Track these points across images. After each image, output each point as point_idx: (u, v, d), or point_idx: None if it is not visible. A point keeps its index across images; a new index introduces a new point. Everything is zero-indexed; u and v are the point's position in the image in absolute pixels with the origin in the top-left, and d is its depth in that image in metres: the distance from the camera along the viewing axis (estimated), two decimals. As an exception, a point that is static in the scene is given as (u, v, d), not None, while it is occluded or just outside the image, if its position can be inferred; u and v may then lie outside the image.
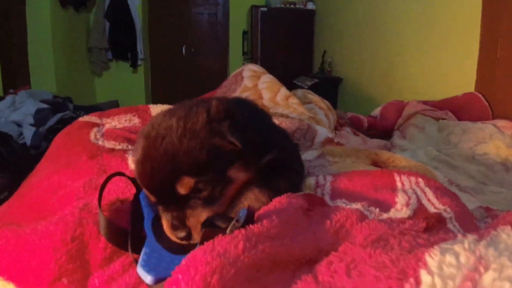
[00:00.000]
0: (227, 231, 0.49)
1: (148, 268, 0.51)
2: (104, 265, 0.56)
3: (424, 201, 0.69)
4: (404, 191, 0.72)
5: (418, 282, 0.36)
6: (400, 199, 0.69)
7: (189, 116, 0.61)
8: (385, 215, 0.63)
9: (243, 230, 0.48)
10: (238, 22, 6.15)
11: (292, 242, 0.49)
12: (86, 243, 0.56)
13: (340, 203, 0.69)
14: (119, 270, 0.55)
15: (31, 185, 0.92)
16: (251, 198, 0.65)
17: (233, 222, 0.51)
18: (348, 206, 0.64)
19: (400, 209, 0.65)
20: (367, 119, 2.65)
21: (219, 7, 6.41)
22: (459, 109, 2.59)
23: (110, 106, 3.05)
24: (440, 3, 2.89)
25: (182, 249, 0.56)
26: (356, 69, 4.37)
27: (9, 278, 0.54)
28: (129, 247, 0.56)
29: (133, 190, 0.67)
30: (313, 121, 1.66)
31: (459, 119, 2.52)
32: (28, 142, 2.90)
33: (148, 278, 0.50)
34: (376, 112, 2.84)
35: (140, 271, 0.51)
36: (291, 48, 5.48)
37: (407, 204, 0.66)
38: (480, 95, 2.54)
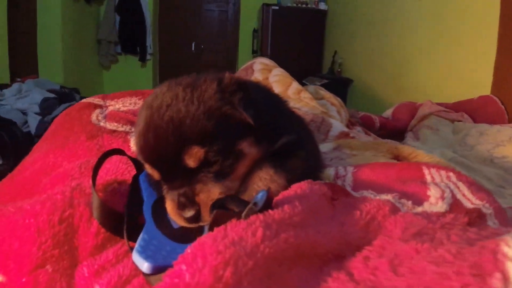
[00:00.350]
0: (243, 216, 0.42)
1: (145, 255, 0.44)
2: (95, 253, 0.48)
3: (459, 196, 0.62)
4: (436, 185, 0.65)
5: (506, 276, 0.30)
6: (433, 192, 0.62)
7: (198, 84, 0.54)
8: (419, 209, 0.57)
9: (261, 216, 0.41)
10: (248, 20, 6.10)
11: (317, 233, 0.41)
12: (75, 226, 0.48)
13: (367, 194, 0.62)
14: (112, 260, 0.48)
15: (23, 165, 0.86)
16: (266, 179, 0.57)
17: (250, 205, 0.44)
18: (377, 197, 0.57)
19: (435, 203, 0.59)
20: (378, 119, 2.58)
21: (230, 4, 6.36)
22: (474, 112, 2.50)
23: (116, 99, 3.03)
24: (455, 2, 2.79)
25: (185, 237, 0.49)
26: (366, 70, 4.28)
27: (-13, 262, 0.47)
28: (125, 232, 0.48)
29: (134, 173, 0.60)
30: (320, 116, 1.58)
31: (474, 122, 2.43)
32: (33, 131, 2.86)
33: (144, 266, 0.43)
34: (388, 113, 2.77)
35: (136, 257, 0.44)
36: (301, 48, 5.41)
37: (442, 198, 0.60)
38: (496, 98, 2.45)
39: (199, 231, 0.50)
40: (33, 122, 2.91)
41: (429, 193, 0.63)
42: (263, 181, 0.56)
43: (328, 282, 0.35)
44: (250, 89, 0.57)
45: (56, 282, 0.46)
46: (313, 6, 5.49)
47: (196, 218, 0.50)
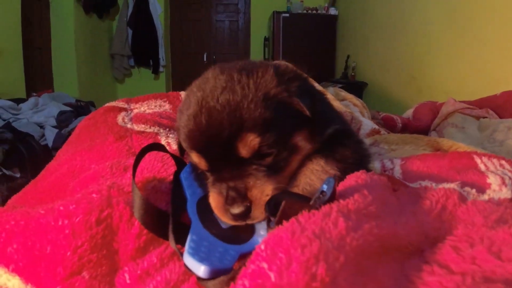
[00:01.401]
0: (312, 205, 0.37)
1: (199, 258, 0.39)
2: (137, 257, 0.43)
3: (518, 182, 0.57)
4: (493, 172, 0.60)
5: None
6: (493, 180, 0.59)
7: (253, 69, 0.50)
8: (484, 196, 0.53)
9: (334, 205, 0.36)
10: (259, 29, 6.10)
11: (395, 224, 0.36)
12: (115, 228, 0.43)
13: (426, 183, 0.57)
14: (156, 264, 0.42)
15: (47, 170, 0.82)
16: (318, 171, 0.52)
17: (318, 194, 0.38)
18: (440, 186, 0.52)
19: (499, 190, 0.57)
20: (400, 119, 2.51)
21: (240, 14, 6.38)
22: (498, 107, 2.41)
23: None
24: None
25: (235, 238, 0.44)
26: (381, 72, 4.22)
27: (15, 270, 0.42)
28: (171, 233, 0.43)
29: (171, 171, 0.55)
30: (348, 113, 1.53)
31: (499, 118, 2.35)
32: (50, 144, 2.87)
33: (201, 269, 0.37)
34: (408, 113, 2.70)
35: (190, 261, 0.39)
36: (313, 54, 5.38)
37: (504, 184, 0.57)
38: (520, 94, 2.37)
39: (250, 231, 0.45)
40: (50, 135, 2.93)
41: (488, 180, 0.61)
42: (315, 173, 0.51)
43: (423, 278, 0.30)
44: (307, 78, 0.54)
45: (94, 291, 0.41)
46: (323, 11, 5.47)
47: (245, 215, 0.45)
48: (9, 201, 0.86)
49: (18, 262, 0.42)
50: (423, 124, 2.52)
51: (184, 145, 0.50)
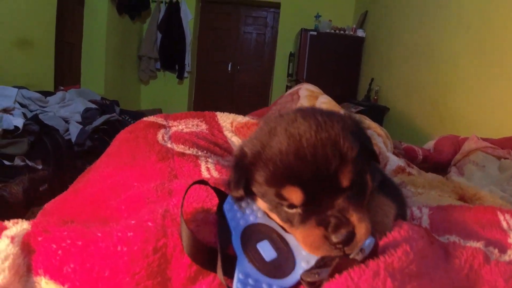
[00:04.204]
0: (359, 260, 0.39)
1: None
2: (187, 285, 0.45)
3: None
4: None
5: None
6: None
7: (331, 113, 0.55)
8: (505, 257, 0.57)
9: (381, 263, 0.38)
10: (285, 44, 6.16)
11: (431, 282, 0.38)
12: (169, 257, 0.46)
13: (454, 239, 0.60)
14: (205, 293, 0.46)
15: (88, 180, 0.86)
16: (387, 205, 0.57)
17: (357, 251, 0.41)
18: (467, 244, 0.55)
19: None
20: (421, 151, 2.51)
21: (268, 28, 6.47)
22: (521, 149, 2.39)
23: (153, 114, 3.09)
24: (503, 34, 2.68)
25: (278, 271, 0.47)
26: (404, 98, 4.20)
27: (73, 288, 0.45)
28: (219, 269, 0.46)
29: (215, 201, 0.58)
30: (376, 147, 1.55)
31: (522, 159, 2.32)
32: (73, 139, 2.93)
33: None
34: (430, 145, 2.69)
35: None
36: (337, 74, 5.41)
37: None
38: (543, 136, 2.34)
39: (292, 264, 0.48)
40: (74, 130, 2.99)
41: (509, 240, 0.63)
42: (380, 213, 0.55)
43: None
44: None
45: (148, 315, 0.44)
46: (351, 32, 5.50)
47: (350, 239, 0.47)
48: (47, 206, 0.90)
49: (75, 282, 0.46)
50: (444, 158, 2.50)
51: (276, 180, 0.51)
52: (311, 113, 0.55)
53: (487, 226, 0.69)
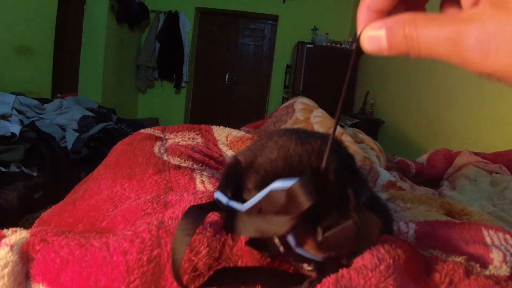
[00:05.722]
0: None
1: None
2: (179, 295, 0.49)
3: (518, 259, 0.62)
4: (497, 247, 0.66)
5: None
6: (496, 255, 0.63)
7: (311, 135, 0.58)
8: (486, 272, 0.58)
9: (361, 277, 0.41)
10: (282, 56, 6.23)
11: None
12: (162, 266, 0.49)
13: (436, 253, 0.62)
14: (196, 303, 0.48)
15: (86, 191, 0.88)
16: (366, 226, 0.58)
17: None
18: (449, 259, 0.57)
19: (500, 266, 0.59)
20: (414, 164, 2.54)
21: (266, 39, 6.55)
22: (510, 163, 2.44)
23: (150, 123, 3.10)
24: None
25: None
26: (399, 112, 4.26)
27: (71, 296, 0.47)
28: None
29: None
30: (367, 162, 1.58)
31: (512, 174, 2.36)
32: (69, 147, 2.93)
33: None
34: (423, 158, 2.72)
35: None
36: (333, 86, 5.46)
37: (505, 261, 0.61)
38: (538, 151, 2.39)
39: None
40: (70, 138, 2.99)
41: (491, 255, 0.64)
42: (371, 221, 0.57)
43: None
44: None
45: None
46: (347, 46, 5.59)
47: None
48: (44, 215, 0.92)
49: (73, 289, 0.48)
50: (437, 172, 2.54)
51: (266, 183, 0.54)
52: (296, 131, 0.59)
53: (470, 241, 0.71)
